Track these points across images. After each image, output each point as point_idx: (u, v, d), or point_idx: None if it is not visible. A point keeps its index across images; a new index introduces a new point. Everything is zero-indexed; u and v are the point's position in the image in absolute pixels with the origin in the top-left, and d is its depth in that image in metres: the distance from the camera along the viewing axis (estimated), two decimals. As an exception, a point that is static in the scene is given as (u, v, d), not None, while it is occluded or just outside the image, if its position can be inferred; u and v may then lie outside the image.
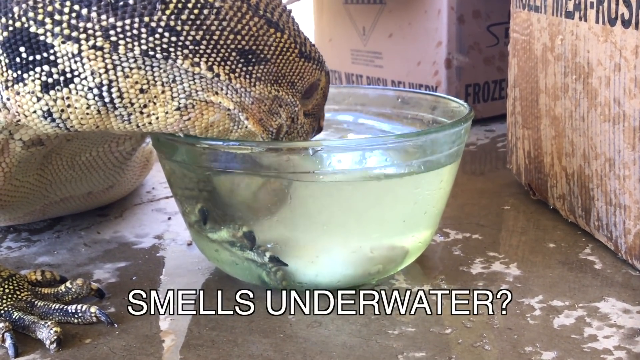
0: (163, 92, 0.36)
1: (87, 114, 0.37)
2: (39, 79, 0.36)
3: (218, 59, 0.36)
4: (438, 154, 0.42)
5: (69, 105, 0.37)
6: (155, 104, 0.37)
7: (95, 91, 0.36)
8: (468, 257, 0.47)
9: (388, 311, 0.40)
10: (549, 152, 0.53)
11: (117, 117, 0.37)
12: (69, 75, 0.36)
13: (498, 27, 0.83)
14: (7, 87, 0.37)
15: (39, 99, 0.37)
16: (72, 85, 0.36)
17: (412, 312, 0.40)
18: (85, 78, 0.36)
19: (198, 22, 0.36)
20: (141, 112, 0.37)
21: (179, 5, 0.35)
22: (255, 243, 0.41)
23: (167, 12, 0.35)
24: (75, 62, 0.36)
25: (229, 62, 0.36)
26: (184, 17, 0.35)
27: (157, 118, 0.37)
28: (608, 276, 0.44)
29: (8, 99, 0.37)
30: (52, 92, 0.36)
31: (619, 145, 0.44)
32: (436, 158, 0.42)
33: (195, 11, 0.35)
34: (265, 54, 0.37)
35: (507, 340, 0.37)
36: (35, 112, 0.37)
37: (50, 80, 0.36)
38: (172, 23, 0.35)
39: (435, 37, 0.81)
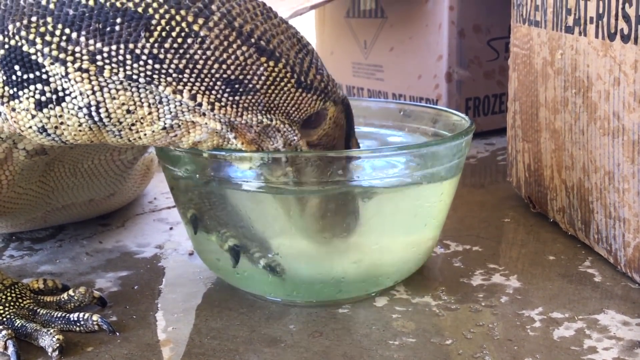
0: (150, 113, 0.37)
1: (80, 130, 0.38)
2: (33, 97, 0.37)
3: (202, 87, 0.36)
4: (439, 167, 0.42)
5: (62, 123, 0.37)
6: (142, 123, 0.37)
7: (85, 110, 0.37)
8: (468, 268, 0.48)
9: (389, 322, 0.41)
10: (548, 165, 0.54)
11: (108, 133, 0.38)
12: (60, 94, 0.37)
13: (498, 42, 0.83)
14: (3, 103, 0.38)
15: (33, 116, 0.37)
16: (63, 104, 0.37)
17: (413, 323, 0.40)
18: (75, 97, 0.37)
19: (181, 50, 0.35)
20: (130, 129, 0.37)
21: (163, 34, 0.35)
22: (239, 260, 0.42)
23: (151, 39, 0.35)
24: (66, 82, 0.36)
25: (213, 92, 0.36)
26: (167, 45, 0.35)
27: (145, 135, 0.38)
28: (607, 289, 0.44)
29: (6, 114, 0.38)
30: (45, 110, 0.37)
31: (618, 159, 0.44)
32: (437, 170, 0.42)
33: (179, 40, 0.35)
34: (254, 83, 0.36)
35: (507, 352, 0.37)
36: (30, 127, 0.38)
37: (43, 98, 0.37)
38: (155, 51, 0.35)
39: (436, 51, 0.82)
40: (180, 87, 0.36)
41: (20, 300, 0.41)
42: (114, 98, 0.36)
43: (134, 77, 0.36)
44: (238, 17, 0.36)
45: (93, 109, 0.36)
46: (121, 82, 0.36)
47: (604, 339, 0.38)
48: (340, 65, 0.97)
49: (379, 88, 0.91)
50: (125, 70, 0.36)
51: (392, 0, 0.87)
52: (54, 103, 0.37)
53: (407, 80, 0.87)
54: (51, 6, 0.36)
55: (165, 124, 0.37)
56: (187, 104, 0.36)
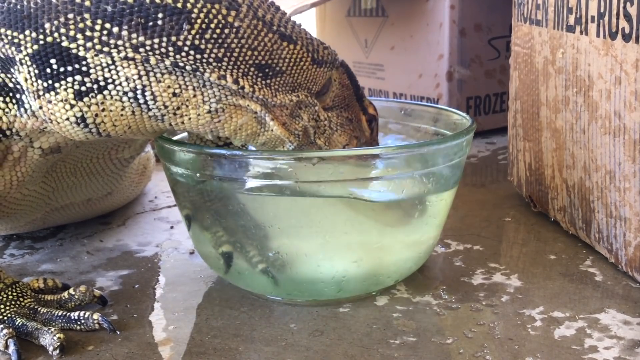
0: (195, 95, 0.38)
1: (122, 115, 0.38)
2: (72, 87, 0.38)
3: (240, 73, 0.38)
4: (440, 166, 0.42)
5: (103, 110, 0.38)
6: (187, 106, 0.38)
7: (130, 94, 0.38)
8: (469, 267, 0.48)
9: (389, 321, 0.41)
10: (549, 164, 0.54)
11: (150, 118, 0.39)
12: (102, 83, 0.38)
13: (499, 41, 0.83)
14: (38, 97, 0.38)
15: (72, 106, 0.38)
16: (106, 92, 0.38)
17: (414, 322, 0.40)
18: (120, 84, 0.38)
19: (220, 40, 0.38)
20: (174, 114, 0.39)
21: (203, 26, 0.37)
22: (231, 266, 0.43)
23: (193, 32, 0.37)
24: (109, 70, 0.37)
25: (249, 76, 0.38)
26: (207, 36, 0.37)
27: (190, 119, 0.39)
28: (608, 288, 0.44)
29: (40, 108, 0.39)
30: (85, 99, 0.38)
31: (619, 158, 0.44)
32: (438, 169, 0.42)
33: (217, 31, 0.38)
34: (280, 66, 0.39)
35: (508, 351, 0.37)
36: (67, 119, 0.38)
37: (83, 88, 0.38)
38: (196, 42, 0.37)
39: (437, 50, 0.82)
40: (222, 73, 0.38)
41: (21, 299, 0.41)
42: (160, 81, 0.38)
43: (180, 64, 0.37)
44: (259, 8, 0.39)
45: (139, 92, 0.38)
46: (166, 68, 0.38)
47: (605, 338, 0.38)
48: (341, 64, 0.97)
49: (380, 87, 0.91)
50: (169, 59, 0.37)
51: (393, -1, 0.87)
52: (95, 92, 0.38)
53: (408, 79, 0.86)
54: (87, 3, 0.37)
55: (210, 107, 0.39)
56: (230, 87, 0.38)
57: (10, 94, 0.39)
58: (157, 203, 0.63)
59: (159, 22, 0.37)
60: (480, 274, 0.47)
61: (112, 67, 0.37)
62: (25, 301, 0.41)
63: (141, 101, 0.38)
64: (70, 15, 0.37)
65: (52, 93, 0.38)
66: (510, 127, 0.61)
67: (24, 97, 0.39)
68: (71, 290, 0.42)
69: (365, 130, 0.45)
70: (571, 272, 0.47)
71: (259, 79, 0.39)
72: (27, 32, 0.38)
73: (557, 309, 0.42)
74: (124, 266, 0.49)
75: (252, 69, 0.38)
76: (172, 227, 0.57)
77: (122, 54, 0.37)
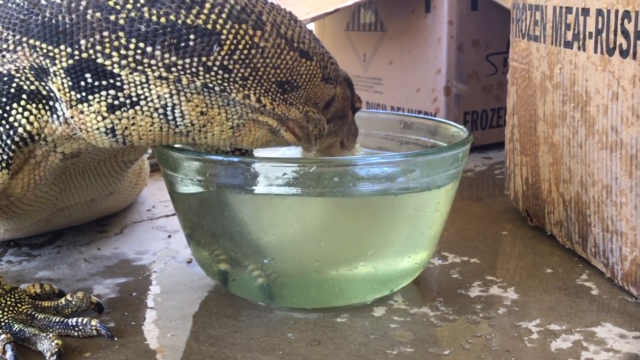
0: (219, 113, 0.40)
1: (150, 130, 0.40)
2: (105, 101, 0.39)
3: (262, 91, 0.39)
4: (435, 176, 0.42)
5: (133, 124, 0.39)
6: (212, 124, 0.40)
7: (161, 111, 0.39)
8: (466, 280, 0.48)
9: (387, 331, 0.41)
10: (546, 178, 0.54)
11: (176, 133, 0.40)
12: (134, 99, 0.39)
13: (497, 57, 0.84)
14: (70, 107, 0.39)
15: (104, 118, 0.39)
16: (137, 107, 0.39)
17: (411, 332, 0.41)
18: (152, 100, 0.39)
19: (247, 60, 0.39)
20: (199, 130, 0.40)
21: (232, 47, 0.39)
22: (227, 285, 0.44)
23: (222, 53, 0.38)
24: (142, 88, 0.39)
25: (270, 93, 0.40)
26: (235, 57, 0.39)
27: (213, 135, 0.40)
28: (605, 302, 0.45)
29: (72, 117, 0.40)
30: (117, 113, 0.39)
31: (616, 173, 0.45)
32: (433, 180, 0.42)
33: (245, 51, 0.39)
34: (298, 82, 0.41)
35: (505, 362, 0.37)
36: (98, 129, 0.40)
37: (116, 102, 0.39)
38: (225, 62, 0.39)
39: (434, 65, 0.83)
40: (247, 92, 0.39)
41: (18, 305, 0.41)
42: (189, 100, 0.39)
43: (209, 85, 0.39)
44: (282, 25, 0.41)
45: (169, 109, 0.39)
46: (196, 88, 0.39)
47: (601, 351, 0.38)
48: (339, 78, 0.97)
49: (378, 101, 0.92)
50: (199, 80, 0.38)
51: (391, 14, 0.88)
52: (128, 106, 0.39)
53: (406, 93, 0.87)
54: (121, 22, 0.38)
55: (233, 123, 0.40)
56: (253, 106, 0.39)
57: (44, 101, 0.40)
58: (154, 212, 0.63)
59: (191, 43, 0.38)
60: (477, 287, 0.47)
61: (145, 84, 0.38)
62: (23, 307, 0.41)
63: (170, 118, 0.39)
64: (105, 33, 0.38)
65: (85, 104, 0.39)
66: (508, 141, 0.62)
67: (57, 104, 0.40)
68: (68, 297, 0.42)
69: (349, 116, 0.47)
70: (567, 286, 0.47)
71: (279, 95, 0.40)
72: (62, 47, 0.39)
73: (553, 322, 0.42)
74: (122, 274, 0.49)
75: (273, 85, 0.40)
76: (169, 236, 0.57)
77: (156, 73, 0.38)
